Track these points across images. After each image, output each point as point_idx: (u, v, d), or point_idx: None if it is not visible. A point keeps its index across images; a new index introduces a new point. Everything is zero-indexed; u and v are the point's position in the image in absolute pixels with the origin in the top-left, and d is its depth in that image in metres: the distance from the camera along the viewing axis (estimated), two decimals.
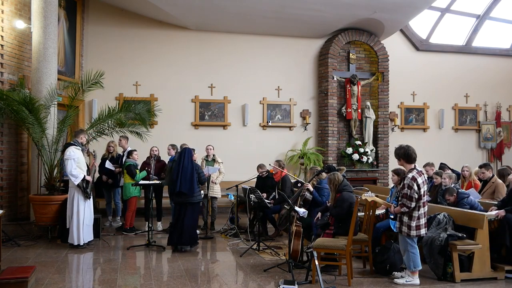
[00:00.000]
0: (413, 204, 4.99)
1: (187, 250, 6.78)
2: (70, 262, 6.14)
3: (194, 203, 6.81)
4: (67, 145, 6.98)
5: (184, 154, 6.93)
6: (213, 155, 8.53)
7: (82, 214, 6.84)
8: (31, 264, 5.74)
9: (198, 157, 8.53)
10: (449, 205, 6.18)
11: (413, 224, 5.03)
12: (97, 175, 8.49)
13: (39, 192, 7.70)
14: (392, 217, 5.50)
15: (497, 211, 5.67)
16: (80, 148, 7.00)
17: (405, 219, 5.09)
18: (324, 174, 6.78)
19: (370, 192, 5.74)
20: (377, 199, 5.50)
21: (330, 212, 5.77)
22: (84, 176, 6.86)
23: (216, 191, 8.38)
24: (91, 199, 7.10)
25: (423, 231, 5.07)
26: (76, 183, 6.77)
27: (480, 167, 7.44)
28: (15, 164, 7.95)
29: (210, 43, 10.84)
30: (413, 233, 5.04)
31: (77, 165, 6.81)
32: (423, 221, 5.06)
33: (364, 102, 11.33)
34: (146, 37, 10.45)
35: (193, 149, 8.14)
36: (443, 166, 8.54)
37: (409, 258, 5.13)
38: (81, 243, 6.82)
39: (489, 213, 5.68)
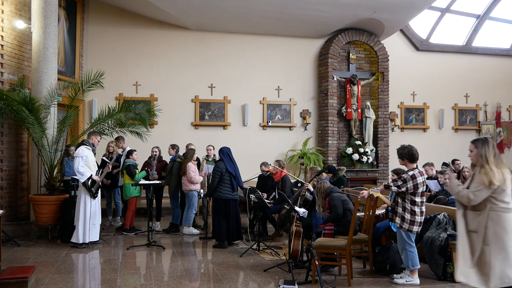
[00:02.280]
0: (395, 189, 5.07)
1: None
2: (70, 262, 6.14)
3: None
4: (78, 145, 7.10)
5: (230, 153, 7.18)
6: (214, 155, 8.53)
7: (89, 213, 6.88)
8: (31, 264, 5.74)
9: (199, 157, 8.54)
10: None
11: (407, 216, 5.03)
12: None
13: (39, 192, 7.70)
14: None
15: None
16: (91, 148, 7.07)
17: (399, 209, 5.11)
18: (324, 174, 6.79)
19: (375, 188, 5.77)
20: (382, 196, 5.51)
21: (327, 219, 5.76)
22: (91, 175, 6.90)
23: None
24: (99, 199, 7.13)
25: (415, 228, 5.06)
26: (82, 180, 6.83)
27: None
28: (15, 164, 7.95)
29: (210, 43, 10.84)
30: (406, 225, 5.04)
31: (85, 164, 6.87)
32: (419, 219, 5.06)
33: (364, 102, 11.33)
34: (146, 37, 10.45)
35: (193, 149, 8.17)
36: (448, 164, 8.64)
37: (407, 257, 5.13)
38: (86, 241, 6.85)
39: None
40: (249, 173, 8.72)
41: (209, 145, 8.63)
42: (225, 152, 7.14)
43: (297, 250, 5.71)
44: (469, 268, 3.81)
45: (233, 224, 7.04)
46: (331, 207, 5.69)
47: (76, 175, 7.46)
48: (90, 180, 6.90)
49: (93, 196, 6.94)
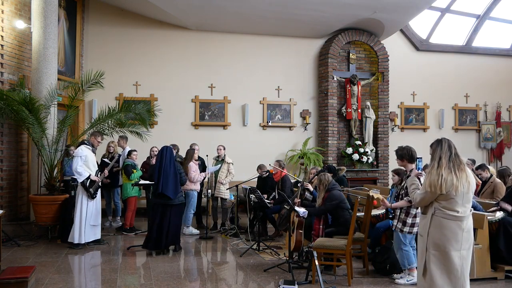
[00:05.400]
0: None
1: (172, 251, 6.58)
2: (70, 262, 6.14)
3: (178, 204, 6.59)
4: (79, 144, 7.06)
5: (165, 153, 6.55)
6: (224, 155, 8.46)
7: (85, 213, 6.84)
8: (31, 264, 5.74)
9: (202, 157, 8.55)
10: None
11: (409, 220, 5.04)
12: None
13: (39, 192, 7.70)
14: (391, 216, 5.51)
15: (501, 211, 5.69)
16: (91, 148, 7.04)
17: (402, 215, 5.12)
18: None
19: (375, 189, 5.77)
20: (382, 198, 5.52)
21: (314, 212, 5.74)
22: (90, 175, 6.87)
23: (222, 191, 8.28)
24: (98, 199, 7.10)
25: (415, 229, 5.07)
26: (80, 180, 6.80)
27: (477, 168, 7.47)
28: (15, 164, 7.95)
29: (210, 43, 10.84)
30: (406, 229, 5.05)
31: (84, 163, 6.84)
32: (418, 220, 5.06)
33: (364, 102, 11.33)
34: (146, 37, 10.46)
35: (193, 149, 8.16)
36: (474, 160, 8.78)
37: (402, 256, 5.15)
38: (82, 242, 6.81)
39: (489, 213, 5.69)
40: (249, 173, 8.72)
41: (219, 145, 8.61)
42: (160, 153, 6.65)
43: (300, 241, 5.64)
44: (420, 275, 3.70)
45: (161, 230, 6.48)
46: (326, 201, 5.70)
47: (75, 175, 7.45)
48: (89, 180, 6.87)
49: (92, 196, 6.89)
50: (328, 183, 5.84)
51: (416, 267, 5.18)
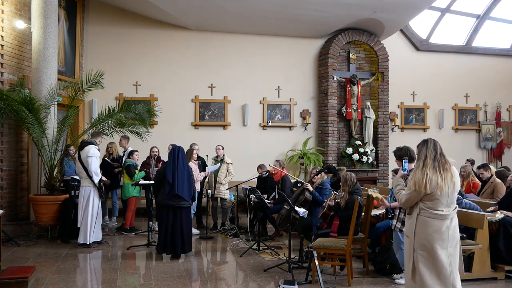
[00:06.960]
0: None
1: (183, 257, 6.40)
2: (70, 262, 6.13)
3: (188, 207, 6.40)
4: (86, 144, 7.02)
5: (177, 154, 6.29)
6: (223, 155, 8.47)
7: (96, 213, 6.93)
8: (31, 264, 5.74)
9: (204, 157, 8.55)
10: None
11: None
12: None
13: (39, 192, 7.70)
14: (390, 216, 5.51)
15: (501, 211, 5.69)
16: (97, 149, 7.13)
17: (401, 215, 5.12)
18: (324, 175, 6.79)
19: (374, 189, 5.77)
20: (381, 197, 5.51)
21: (338, 213, 5.72)
22: (101, 176, 7.04)
23: (222, 191, 8.28)
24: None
25: None
26: (96, 181, 6.88)
27: (479, 168, 7.46)
28: (15, 164, 7.95)
29: (210, 43, 10.84)
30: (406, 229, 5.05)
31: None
32: None
33: (364, 102, 11.33)
34: (146, 37, 10.45)
35: (193, 149, 8.15)
36: (471, 161, 8.76)
37: (402, 256, 5.13)
38: (90, 242, 6.85)
39: (489, 213, 5.69)
40: (249, 173, 8.72)
41: (218, 145, 8.61)
42: (173, 153, 6.34)
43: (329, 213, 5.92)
44: (408, 276, 3.67)
45: (173, 234, 6.22)
46: (348, 207, 5.66)
47: (75, 175, 7.50)
48: (102, 181, 7.02)
49: (103, 196, 7.06)
50: (353, 185, 5.80)
51: (403, 269, 5.21)
